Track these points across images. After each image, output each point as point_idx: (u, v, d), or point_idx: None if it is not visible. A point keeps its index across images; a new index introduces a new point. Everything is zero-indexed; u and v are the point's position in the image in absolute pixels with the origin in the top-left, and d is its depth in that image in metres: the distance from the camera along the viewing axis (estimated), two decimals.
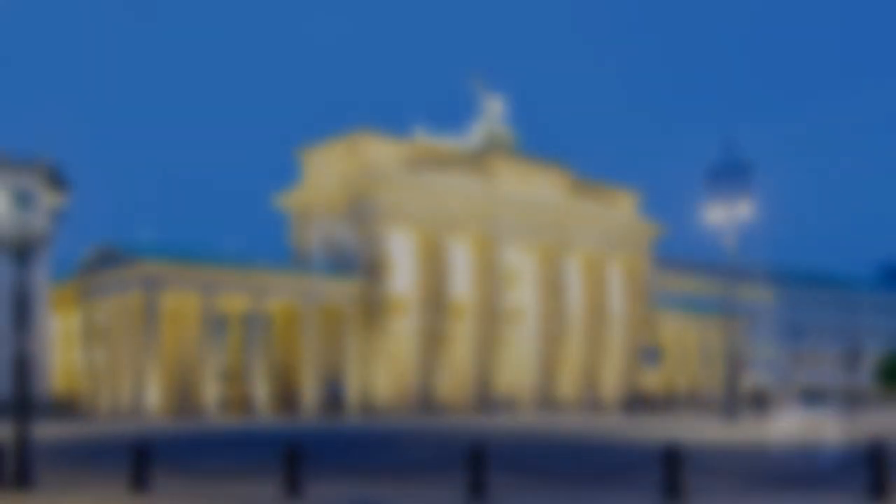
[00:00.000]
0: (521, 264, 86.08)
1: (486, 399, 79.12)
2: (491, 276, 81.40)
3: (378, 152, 76.99)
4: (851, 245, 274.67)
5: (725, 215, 49.12)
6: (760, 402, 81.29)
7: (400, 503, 16.19)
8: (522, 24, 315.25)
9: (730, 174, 49.40)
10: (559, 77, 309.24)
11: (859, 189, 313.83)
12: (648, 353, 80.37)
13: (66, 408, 68.26)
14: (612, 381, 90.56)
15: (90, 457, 28.61)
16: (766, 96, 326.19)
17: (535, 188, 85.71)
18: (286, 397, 73.98)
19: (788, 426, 41.67)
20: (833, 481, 19.18)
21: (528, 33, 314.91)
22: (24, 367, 20.57)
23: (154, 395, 65.49)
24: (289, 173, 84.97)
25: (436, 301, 77.85)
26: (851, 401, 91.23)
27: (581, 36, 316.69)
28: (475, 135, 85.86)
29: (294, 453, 17.18)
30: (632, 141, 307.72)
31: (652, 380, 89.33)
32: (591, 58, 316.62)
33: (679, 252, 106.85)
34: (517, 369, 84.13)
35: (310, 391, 72.40)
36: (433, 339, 77.52)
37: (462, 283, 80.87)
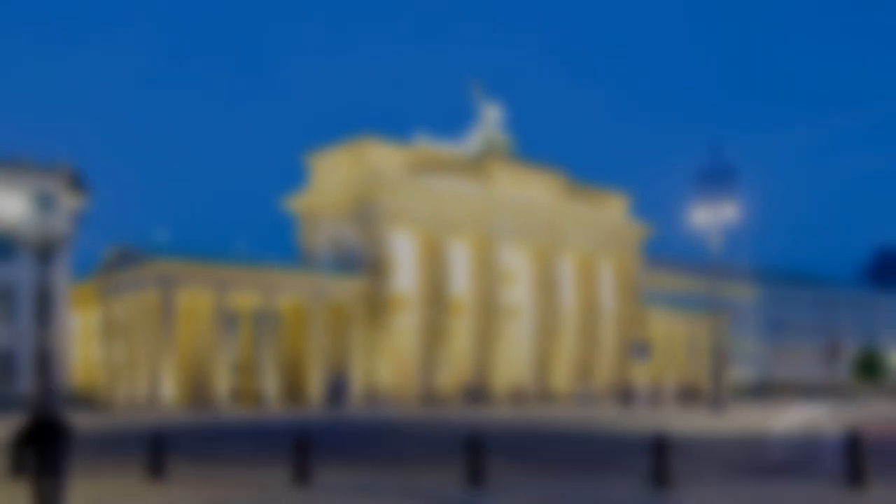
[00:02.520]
0: (517, 263, 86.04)
1: (483, 391, 79.08)
2: (488, 275, 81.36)
3: (382, 158, 76.95)
4: (832, 245, 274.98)
5: (711, 217, 49.11)
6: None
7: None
8: (520, 35, 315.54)
9: (715, 179, 49.38)
10: (555, 85, 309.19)
11: (841, 192, 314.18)
12: (638, 348, 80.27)
13: (85, 400, 68.23)
14: (603, 374, 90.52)
15: (109, 446, 28.60)
16: (751, 105, 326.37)
17: (530, 191, 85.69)
18: (294, 390, 73.95)
19: (792, 419, 41.43)
20: (816, 469, 19.18)
21: (525, 44, 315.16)
22: (44, 361, 20.61)
23: (169, 388, 65.45)
24: (297, 177, 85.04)
25: (436, 298, 77.83)
26: (831, 394, 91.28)
27: (576, 46, 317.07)
28: (474, 141, 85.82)
29: (302, 442, 17.19)
30: (623, 146, 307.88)
31: (641, 373, 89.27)
32: (585, 66, 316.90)
33: (667, 252, 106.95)
34: (514, 363, 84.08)
35: (317, 384, 72.36)
36: (434, 334, 77.49)
37: (461, 281, 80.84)
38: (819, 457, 21.49)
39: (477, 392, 78.47)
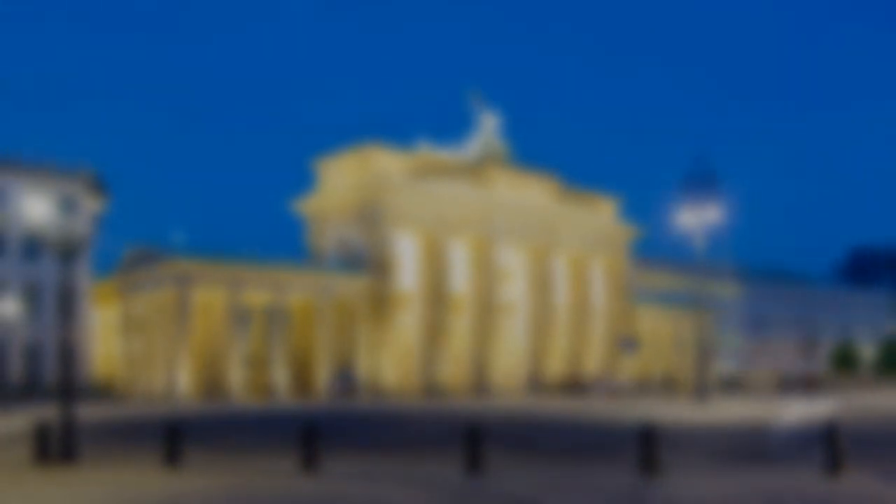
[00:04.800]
0: (514, 263, 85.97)
1: (482, 383, 79.02)
2: (486, 274, 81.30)
3: (385, 163, 76.91)
4: (810, 246, 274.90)
5: (696, 220, 48.99)
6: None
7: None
8: (517, 47, 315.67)
9: (700, 183, 49.19)
10: (550, 94, 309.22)
11: (819, 197, 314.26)
12: (627, 343, 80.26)
13: (105, 391, 68.26)
14: (594, 367, 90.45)
15: (128, 435, 28.55)
16: (734, 113, 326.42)
17: (526, 195, 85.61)
18: (303, 382, 73.88)
19: (798, 411, 41.14)
20: (798, 457, 19.14)
21: (522, 55, 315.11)
22: (67, 355, 20.57)
23: (185, 380, 65.41)
24: (305, 182, 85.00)
25: (437, 296, 77.76)
26: (809, 385, 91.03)
27: (570, 57, 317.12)
28: (472, 147, 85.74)
29: (310, 432, 17.15)
30: (613, 153, 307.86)
31: (629, 366, 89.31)
32: (578, 76, 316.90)
33: (655, 252, 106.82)
34: (510, 357, 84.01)
35: (324, 377, 72.31)
36: (435, 330, 77.42)
37: (461, 279, 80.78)
38: (812, 445, 21.44)
39: (476, 383, 78.35)
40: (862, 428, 27.40)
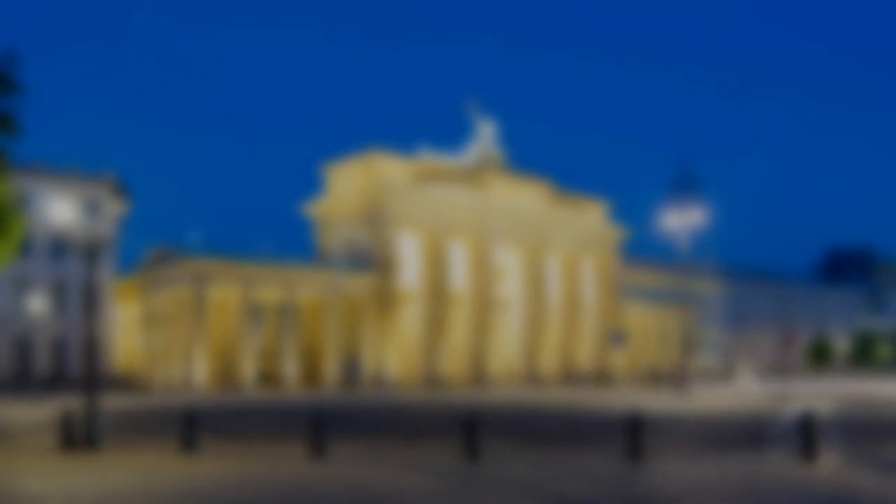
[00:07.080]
0: (509, 262, 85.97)
1: (479, 375, 79.02)
2: (484, 273, 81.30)
3: (389, 169, 76.91)
4: (789, 246, 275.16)
5: (680, 221, 48.98)
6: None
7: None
8: (511, 59, 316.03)
9: (684, 186, 49.14)
10: (545, 100, 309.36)
11: (798, 200, 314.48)
12: (615, 337, 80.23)
13: (127, 383, 68.25)
14: (585, 360, 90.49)
15: (147, 423, 28.56)
16: (718, 119, 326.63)
17: (520, 199, 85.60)
18: (312, 374, 73.89)
19: (801, 404, 40.92)
20: (776, 445, 19.15)
21: (516, 66, 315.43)
22: (91, 348, 20.59)
23: (201, 372, 65.41)
24: (314, 186, 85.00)
25: (437, 293, 77.76)
26: (786, 376, 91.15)
27: (564, 65, 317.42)
28: (470, 153, 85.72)
29: (318, 421, 17.17)
30: (604, 157, 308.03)
31: (618, 359, 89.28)
32: (570, 85, 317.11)
33: (642, 252, 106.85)
34: (505, 350, 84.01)
35: (332, 369, 72.32)
36: (435, 324, 77.42)
37: (460, 278, 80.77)
38: (771, 431, 21.42)
39: (475, 375, 78.35)
40: (852, 418, 27.42)
